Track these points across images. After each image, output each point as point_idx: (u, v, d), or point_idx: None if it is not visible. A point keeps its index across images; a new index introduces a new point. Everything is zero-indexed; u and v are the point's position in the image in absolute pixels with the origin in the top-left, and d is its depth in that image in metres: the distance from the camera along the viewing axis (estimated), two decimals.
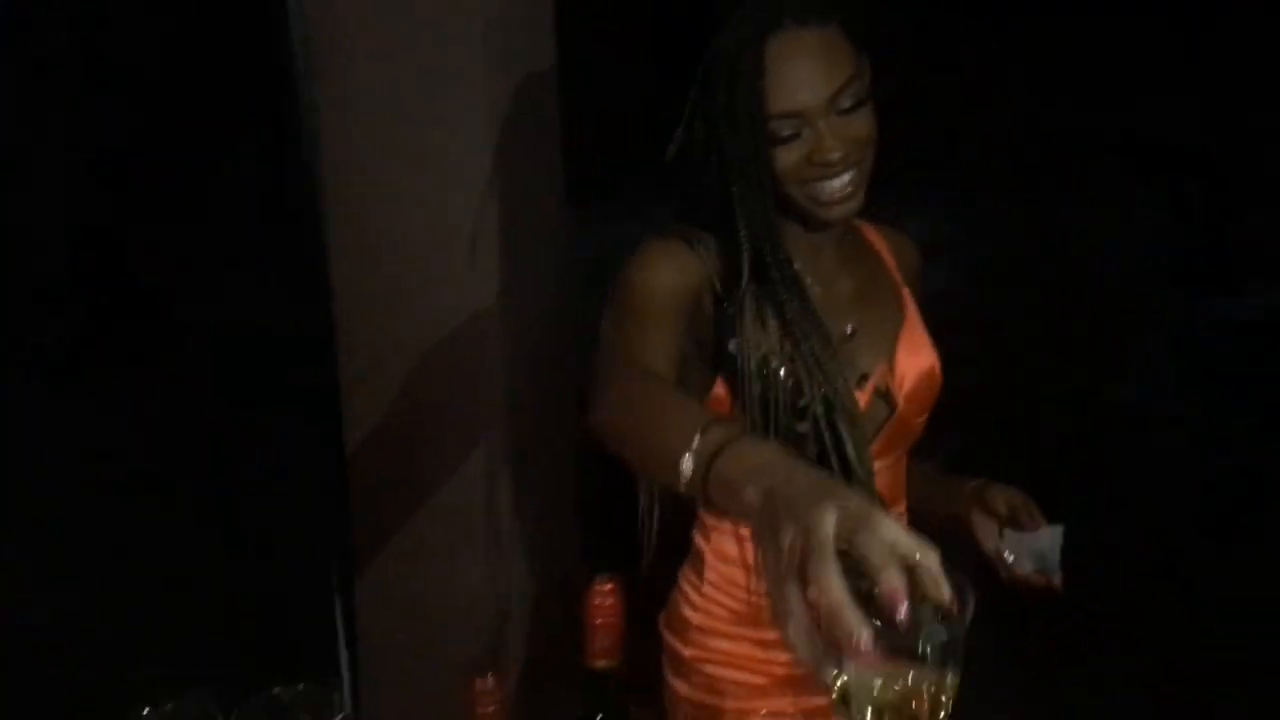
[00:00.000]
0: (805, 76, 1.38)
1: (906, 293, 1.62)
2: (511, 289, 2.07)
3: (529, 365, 2.12)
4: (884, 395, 1.53)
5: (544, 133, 2.13)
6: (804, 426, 1.43)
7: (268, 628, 2.53)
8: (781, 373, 1.43)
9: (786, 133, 1.39)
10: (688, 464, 1.08)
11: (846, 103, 1.39)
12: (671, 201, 1.51)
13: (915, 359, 1.56)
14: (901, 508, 1.60)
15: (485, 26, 1.94)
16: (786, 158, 1.40)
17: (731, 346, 1.43)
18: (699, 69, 1.43)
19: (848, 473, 1.44)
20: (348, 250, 2.05)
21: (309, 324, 2.10)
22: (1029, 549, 1.49)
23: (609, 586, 1.75)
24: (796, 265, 1.48)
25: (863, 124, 1.41)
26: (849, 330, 1.53)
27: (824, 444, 1.43)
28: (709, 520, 1.60)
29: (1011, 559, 1.46)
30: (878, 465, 1.52)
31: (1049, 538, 1.47)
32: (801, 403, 1.43)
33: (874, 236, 1.65)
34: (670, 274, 1.45)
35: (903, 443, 1.57)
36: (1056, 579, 1.41)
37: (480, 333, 2.05)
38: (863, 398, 1.50)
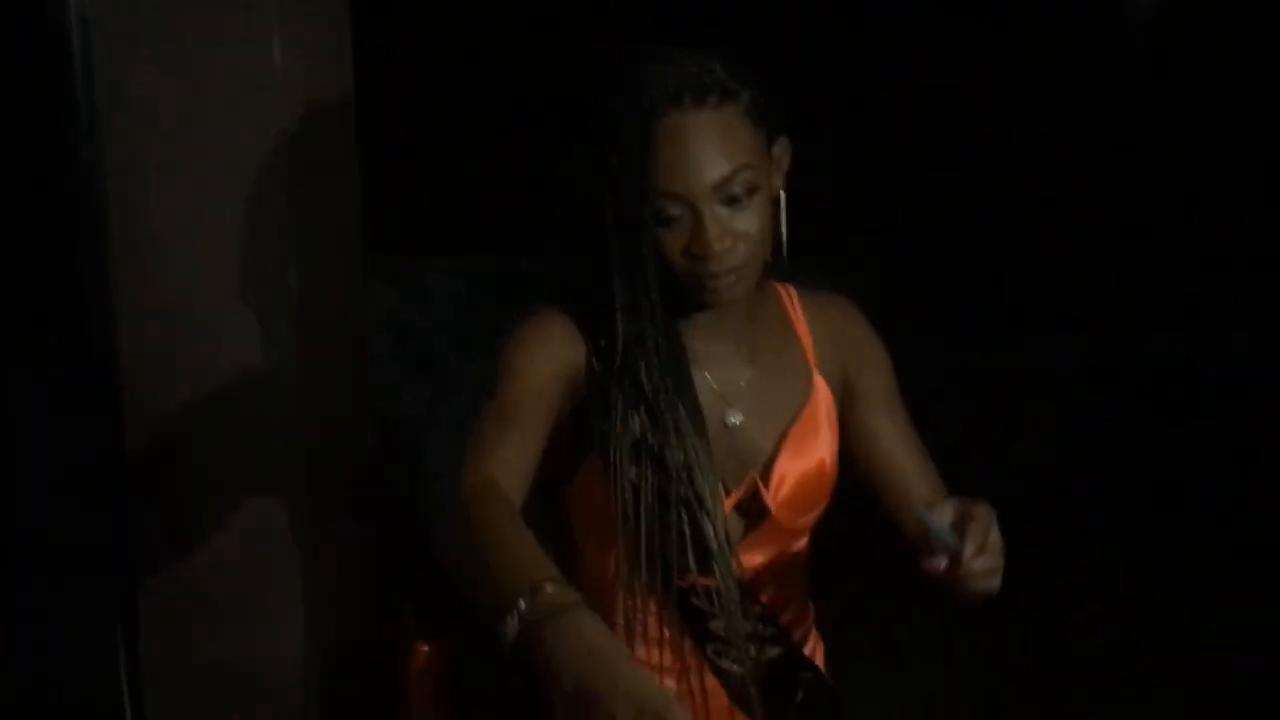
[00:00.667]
0: (693, 159, 1.31)
1: (818, 378, 1.52)
2: (308, 344, 2.01)
3: (325, 421, 2.06)
4: (754, 501, 1.47)
5: (343, 184, 2.11)
6: (670, 517, 1.39)
7: (48, 708, 2.37)
8: (649, 463, 1.38)
9: (669, 214, 1.33)
10: (512, 625, 1.07)
11: (735, 190, 1.32)
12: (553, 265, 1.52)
13: (800, 459, 1.47)
14: (783, 595, 1.54)
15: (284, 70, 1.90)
16: (668, 241, 1.34)
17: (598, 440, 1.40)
18: (589, 134, 1.36)
19: (709, 569, 1.40)
20: (132, 296, 1.98)
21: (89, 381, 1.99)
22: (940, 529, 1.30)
23: (426, 647, 1.71)
24: (696, 346, 1.44)
25: (751, 217, 1.34)
26: (733, 421, 1.46)
27: (686, 539, 1.39)
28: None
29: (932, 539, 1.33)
30: (757, 562, 1.48)
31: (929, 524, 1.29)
32: (669, 494, 1.38)
33: (797, 314, 1.55)
34: (543, 361, 1.39)
35: (784, 542, 1.50)
36: (941, 564, 1.23)
37: (274, 390, 1.99)
38: (729, 503, 1.45)
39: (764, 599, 1.50)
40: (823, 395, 1.51)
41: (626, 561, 1.41)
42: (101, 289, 1.95)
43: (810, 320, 1.54)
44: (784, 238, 1.40)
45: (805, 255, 1.45)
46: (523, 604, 1.07)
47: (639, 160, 1.31)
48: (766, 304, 1.50)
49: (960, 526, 1.21)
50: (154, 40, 1.90)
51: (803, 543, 1.54)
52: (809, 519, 1.50)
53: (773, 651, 1.49)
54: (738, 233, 1.33)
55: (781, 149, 1.40)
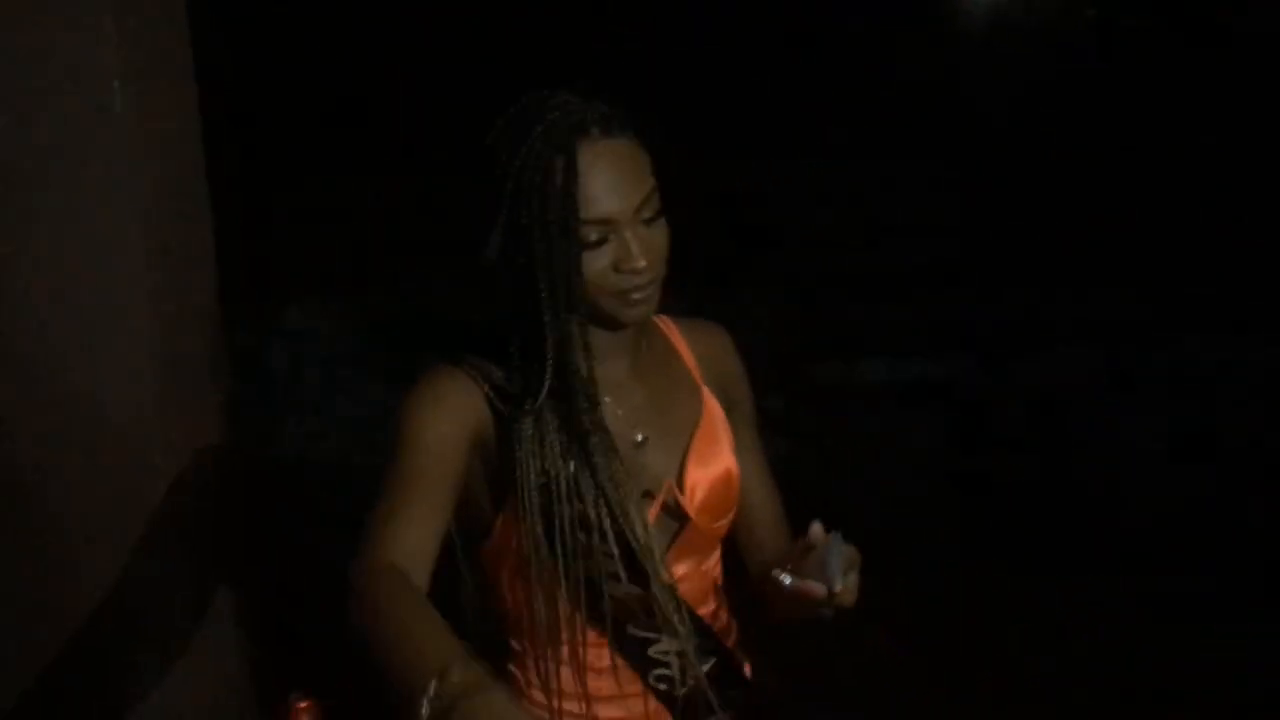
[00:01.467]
0: (614, 185, 1.38)
1: (707, 394, 1.59)
2: (167, 387, 1.97)
3: (195, 464, 2.02)
4: (673, 509, 1.52)
5: (195, 223, 2.07)
6: (593, 539, 1.43)
7: None
8: (564, 489, 1.41)
9: (594, 238, 1.38)
10: (425, 710, 1.10)
11: (648, 213, 1.41)
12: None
13: (707, 467, 1.54)
14: (710, 607, 1.59)
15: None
16: (594, 264, 1.39)
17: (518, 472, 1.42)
18: (502, 175, 1.39)
19: (644, 583, 1.44)
20: None
21: None
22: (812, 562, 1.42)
23: (305, 705, 1.67)
24: (595, 370, 1.47)
25: (660, 234, 1.42)
26: (640, 439, 1.51)
27: (613, 556, 1.43)
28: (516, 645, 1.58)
29: (787, 580, 1.39)
30: (682, 572, 1.53)
31: (825, 547, 1.39)
32: (590, 517, 1.43)
33: (676, 337, 1.62)
34: (442, 422, 1.41)
35: (704, 547, 1.56)
36: (836, 585, 1.34)
37: (143, 435, 1.95)
38: (650, 513, 1.49)
39: (695, 610, 1.55)
40: (714, 408, 1.58)
41: (547, 603, 1.45)
42: None
43: (690, 342, 1.62)
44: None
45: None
46: (432, 689, 1.10)
47: (562, 192, 1.36)
48: (650, 328, 1.57)
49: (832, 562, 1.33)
50: None
51: (717, 554, 1.60)
52: (723, 525, 1.56)
53: (708, 664, 1.54)
54: (654, 249, 1.41)
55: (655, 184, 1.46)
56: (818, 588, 1.31)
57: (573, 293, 1.39)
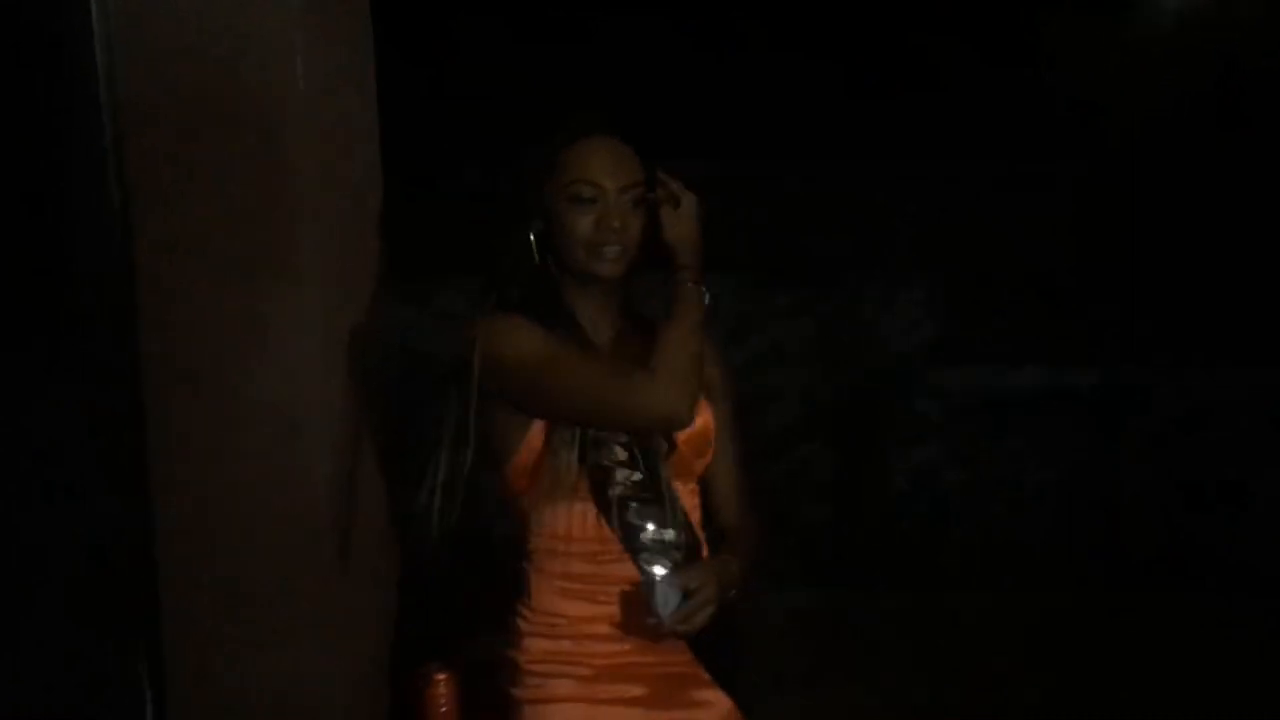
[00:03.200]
0: (609, 164, 1.87)
1: None
2: (330, 367, 2.03)
3: (354, 445, 2.07)
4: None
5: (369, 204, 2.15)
6: (618, 455, 1.86)
7: None
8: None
9: (586, 196, 1.85)
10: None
11: (631, 197, 1.87)
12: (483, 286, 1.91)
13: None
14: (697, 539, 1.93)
15: None
16: (581, 217, 1.86)
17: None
18: (519, 168, 1.90)
19: (659, 493, 1.85)
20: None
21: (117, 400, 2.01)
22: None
23: (444, 676, 1.76)
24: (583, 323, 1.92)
25: (637, 219, 1.89)
26: None
27: (635, 466, 1.85)
28: (533, 544, 1.93)
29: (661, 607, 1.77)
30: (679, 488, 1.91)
31: (646, 587, 1.79)
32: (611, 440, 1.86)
33: (647, 321, 1.97)
34: (534, 329, 1.85)
35: (685, 474, 1.93)
36: (663, 622, 1.75)
37: (294, 417, 1.99)
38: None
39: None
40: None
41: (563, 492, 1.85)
42: (125, 300, 1.97)
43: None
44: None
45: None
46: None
47: (566, 162, 1.87)
48: (644, 319, 1.97)
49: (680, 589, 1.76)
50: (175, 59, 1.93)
51: (696, 489, 1.96)
52: (700, 465, 1.95)
53: (687, 557, 1.87)
54: (629, 223, 1.87)
55: (647, 194, 1.90)
56: (649, 618, 1.75)
57: (568, 243, 1.86)
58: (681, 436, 1.89)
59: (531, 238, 1.87)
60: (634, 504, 1.84)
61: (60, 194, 2.00)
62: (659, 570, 1.81)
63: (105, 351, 2.01)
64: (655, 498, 1.85)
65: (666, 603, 1.73)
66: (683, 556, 1.84)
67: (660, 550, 1.83)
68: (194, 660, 2.04)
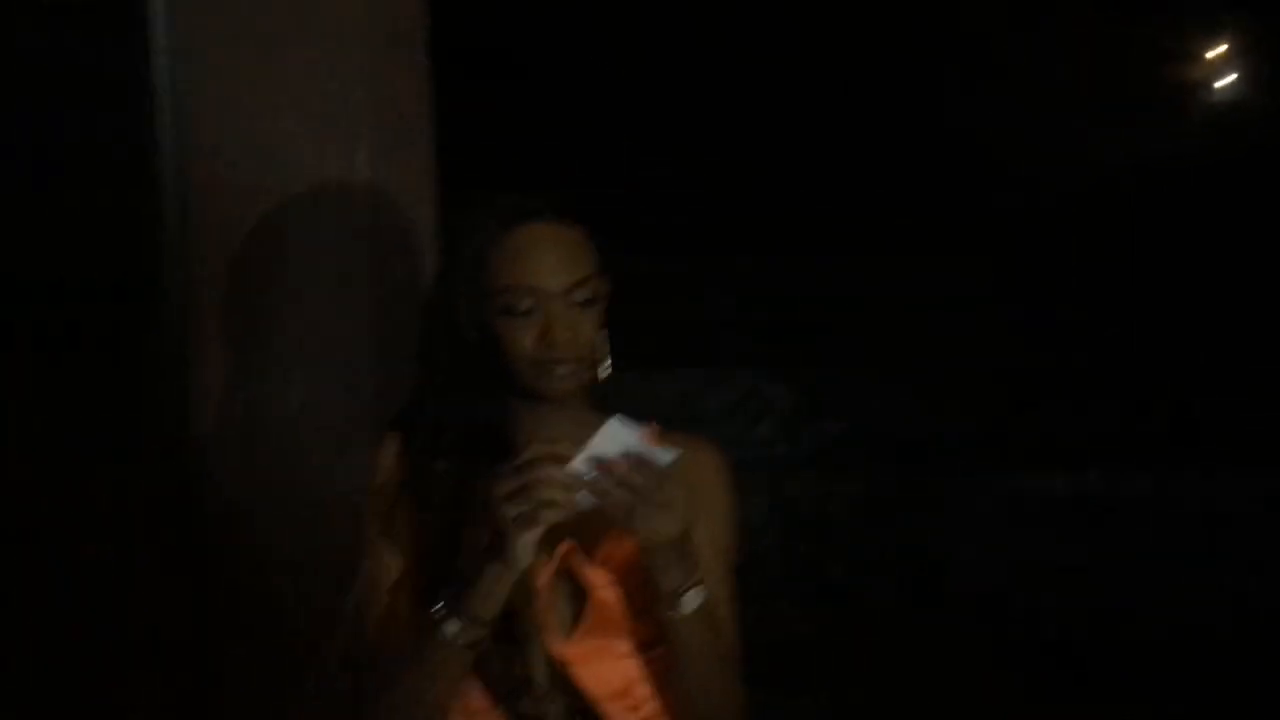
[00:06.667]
0: (549, 261, 1.49)
1: None
2: (389, 380, 2.05)
3: None
4: (573, 577, 1.52)
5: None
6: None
7: None
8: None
9: (523, 307, 1.48)
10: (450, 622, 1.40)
11: (580, 296, 1.49)
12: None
13: (629, 551, 1.50)
14: (625, 702, 1.53)
15: None
16: (521, 332, 1.48)
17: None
18: (441, 271, 1.56)
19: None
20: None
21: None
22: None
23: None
24: (520, 438, 1.51)
25: (589, 321, 1.51)
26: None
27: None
28: None
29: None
30: (580, 650, 1.51)
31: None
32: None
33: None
34: (382, 474, 1.57)
35: (612, 632, 1.52)
36: (577, 462, 1.38)
37: (353, 432, 2.02)
38: (546, 570, 1.50)
39: (592, 697, 1.51)
40: None
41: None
42: (182, 314, 2.02)
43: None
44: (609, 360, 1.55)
45: None
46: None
47: (499, 262, 1.49)
48: (587, 411, 1.56)
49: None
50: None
51: (633, 658, 1.53)
52: (640, 625, 1.52)
53: None
54: (579, 332, 1.49)
55: (603, 284, 1.53)
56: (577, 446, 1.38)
57: (497, 360, 1.49)
58: (603, 579, 1.51)
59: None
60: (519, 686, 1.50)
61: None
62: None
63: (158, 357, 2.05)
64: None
65: (607, 440, 1.38)
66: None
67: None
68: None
